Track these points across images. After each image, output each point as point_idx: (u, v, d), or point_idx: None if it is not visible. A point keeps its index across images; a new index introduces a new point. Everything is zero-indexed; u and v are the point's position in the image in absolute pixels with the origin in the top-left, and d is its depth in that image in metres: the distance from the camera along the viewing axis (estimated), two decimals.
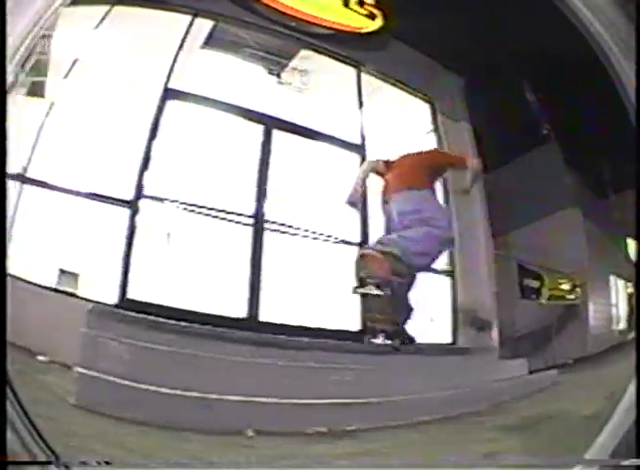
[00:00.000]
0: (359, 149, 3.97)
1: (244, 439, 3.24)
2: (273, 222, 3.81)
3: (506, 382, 3.96)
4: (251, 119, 3.78)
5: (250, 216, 3.80)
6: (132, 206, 3.69)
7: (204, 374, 3.40)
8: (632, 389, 1.47)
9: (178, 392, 3.31)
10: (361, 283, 3.66)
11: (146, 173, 3.70)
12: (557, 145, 4.20)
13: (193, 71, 3.87)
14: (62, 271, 4.05)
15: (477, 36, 3.96)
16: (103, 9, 4.21)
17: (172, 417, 3.22)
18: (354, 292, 3.59)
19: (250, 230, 3.77)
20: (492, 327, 4.07)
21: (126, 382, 3.24)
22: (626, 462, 1.03)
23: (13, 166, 4.08)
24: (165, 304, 3.63)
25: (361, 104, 3.96)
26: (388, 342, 3.76)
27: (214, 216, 3.72)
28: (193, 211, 3.64)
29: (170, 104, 3.77)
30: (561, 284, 4.35)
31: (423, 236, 3.68)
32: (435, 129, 4.01)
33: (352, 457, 3.21)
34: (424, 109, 4.05)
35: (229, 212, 3.79)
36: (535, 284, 4.30)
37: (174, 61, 3.88)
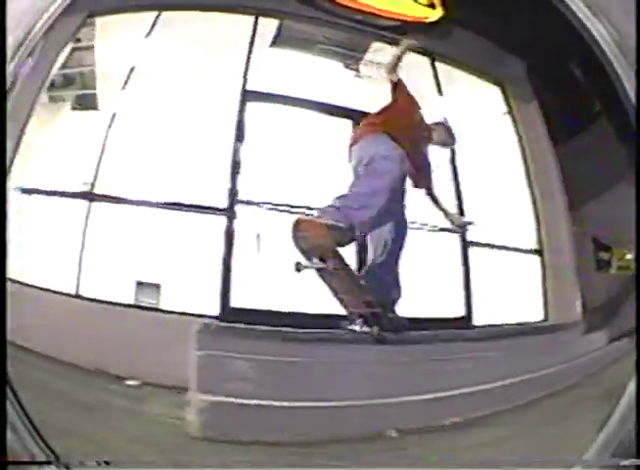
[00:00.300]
0: None
1: (390, 440, 3.16)
2: None
3: (591, 354, 4.05)
4: (337, 115, 3.70)
5: None
6: (227, 212, 3.55)
7: (330, 381, 3.28)
8: (632, 388, 1.58)
9: (311, 403, 3.17)
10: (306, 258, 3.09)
11: (236, 177, 3.54)
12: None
13: (267, 71, 3.74)
14: (139, 284, 3.84)
15: (531, 19, 4.05)
16: (147, 15, 4.02)
17: (309, 431, 3.09)
18: (297, 269, 2.98)
19: None
20: (578, 302, 4.15)
21: (258, 402, 3.07)
22: (626, 462, 1.10)
23: (77, 184, 3.86)
24: (273, 308, 3.47)
25: (440, 91, 3.97)
26: (367, 329, 3.29)
27: (307, 215, 3.62)
28: (284, 211, 3.50)
29: (251, 106, 3.63)
30: (626, 254, 4.49)
31: (365, 185, 3.21)
32: (510, 111, 4.07)
33: (498, 443, 3.21)
34: (495, 92, 4.10)
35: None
36: (606, 256, 4.41)
37: (248, 62, 3.75)
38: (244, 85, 3.67)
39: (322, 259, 2.93)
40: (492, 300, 3.94)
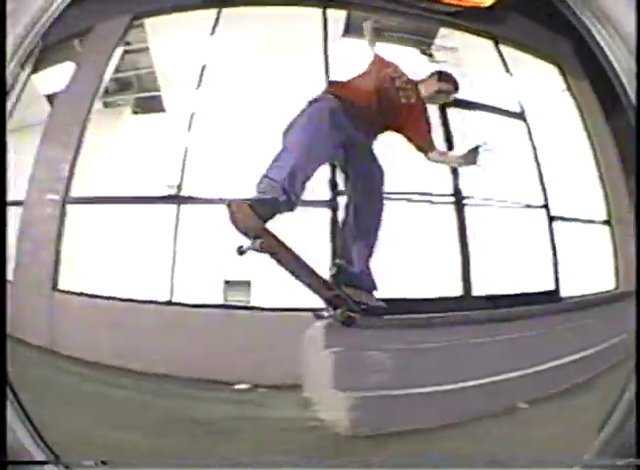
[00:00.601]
0: (519, 116, 4.09)
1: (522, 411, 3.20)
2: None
3: None
4: None
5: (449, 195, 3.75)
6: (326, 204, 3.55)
7: (456, 362, 3.26)
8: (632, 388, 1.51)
9: (451, 386, 3.13)
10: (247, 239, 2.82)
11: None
12: None
13: (345, 61, 3.71)
14: (227, 283, 3.70)
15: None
16: (208, 13, 3.92)
17: (453, 413, 3.05)
18: (239, 253, 2.67)
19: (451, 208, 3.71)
20: None
21: (401, 392, 3.00)
22: (624, 462, 1.05)
23: (162, 187, 3.67)
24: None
25: (509, 71, 4.06)
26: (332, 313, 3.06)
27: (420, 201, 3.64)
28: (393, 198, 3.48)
29: None
30: None
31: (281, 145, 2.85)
32: (569, 88, 4.21)
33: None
34: (553, 70, 4.24)
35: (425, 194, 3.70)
36: None
37: (326, 54, 3.71)
38: (327, 77, 3.64)
39: (257, 238, 2.63)
40: (573, 271, 4.05)
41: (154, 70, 3.97)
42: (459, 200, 3.75)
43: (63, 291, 3.75)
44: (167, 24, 4.00)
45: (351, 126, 2.90)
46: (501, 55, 4.08)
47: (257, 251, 2.65)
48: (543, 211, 3.95)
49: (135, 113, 4.00)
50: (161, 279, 3.60)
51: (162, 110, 3.93)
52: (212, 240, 3.56)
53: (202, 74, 3.73)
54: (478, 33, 4.06)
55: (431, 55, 3.92)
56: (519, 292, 3.84)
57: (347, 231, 3.06)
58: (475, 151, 2.97)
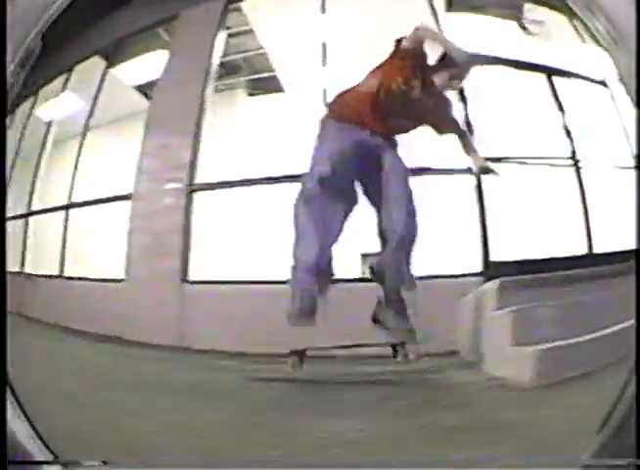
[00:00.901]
0: (603, 84, 4.29)
1: None
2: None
3: None
4: (526, 69, 3.88)
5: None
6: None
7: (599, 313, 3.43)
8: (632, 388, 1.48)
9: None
10: None
11: None
12: None
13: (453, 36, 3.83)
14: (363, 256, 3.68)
15: None
16: None
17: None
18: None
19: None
20: None
21: (570, 341, 3.12)
22: (625, 462, 1.02)
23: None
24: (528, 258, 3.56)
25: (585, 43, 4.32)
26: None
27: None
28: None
29: None
30: None
31: None
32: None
33: None
34: None
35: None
36: None
37: (438, 26, 3.80)
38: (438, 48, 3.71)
39: None
40: None
41: (264, 52, 3.89)
42: (576, 162, 3.95)
43: (194, 282, 3.59)
44: (269, 6, 3.95)
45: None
46: (576, 28, 4.36)
47: None
48: None
49: (250, 95, 3.90)
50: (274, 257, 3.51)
51: (280, 90, 3.86)
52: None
53: (324, 52, 3.70)
54: (554, 7, 4.30)
55: (525, 28, 4.12)
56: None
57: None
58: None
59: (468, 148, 3.12)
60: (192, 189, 3.62)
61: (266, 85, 3.92)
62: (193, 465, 1.00)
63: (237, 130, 3.73)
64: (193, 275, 3.60)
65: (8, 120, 4.91)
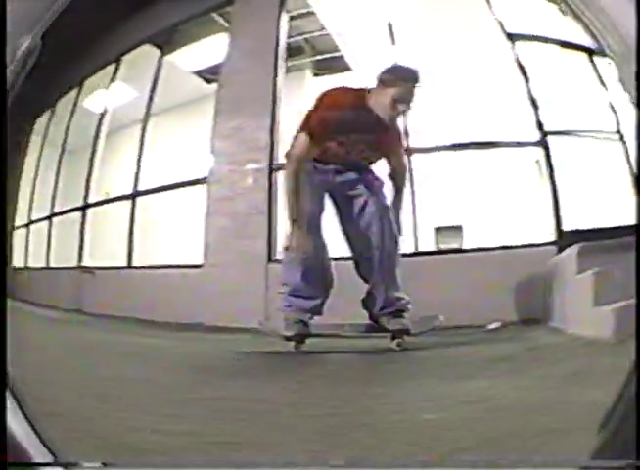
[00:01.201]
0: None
1: None
2: None
3: None
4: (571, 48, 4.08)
5: None
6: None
7: None
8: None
9: None
10: None
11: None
12: None
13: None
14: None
15: None
16: None
17: None
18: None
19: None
20: None
21: None
22: (625, 463, 0.90)
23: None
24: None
25: None
26: None
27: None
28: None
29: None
30: None
31: None
32: None
33: None
34: None
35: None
36: None
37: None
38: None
39: None
40: None
41: (327, 33, 3.93)
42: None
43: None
44: None
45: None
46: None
47: None
48: None
49: (316, 75, 3.93)
50: None
51: (347, 69, 3.91)
52: (423, 188, 3.64)
53: (391, 32, 3.78)
54: None
55: (564, 12, 4.34)
56: None
57: None
58: None
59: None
60: (272, 169, 3.64)
61: (332, 65, 3.97)
62: (193, 465, 1.00)
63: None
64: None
65: (48, 113, 4.79)
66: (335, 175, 2.55)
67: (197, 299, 3.70)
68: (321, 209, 2.56)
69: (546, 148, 3.73)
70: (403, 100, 2.34)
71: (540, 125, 3.76)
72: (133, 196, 3.98)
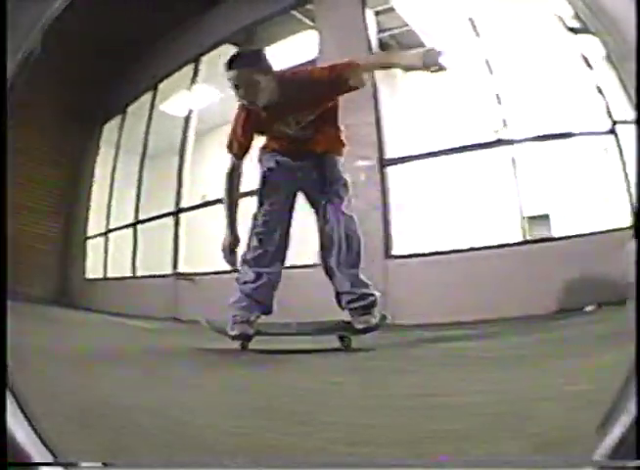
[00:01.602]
0: None
1: None
2: None
3: None
4: None
5: None
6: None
7: None
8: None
9: None
10: None
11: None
12: None
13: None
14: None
15: None
16: None
17: None
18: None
19: None
20: None
21: None
22: (624, 463, 0.84)
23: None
24: None
25: None
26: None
27: None
28: None
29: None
30: None
31: None
32: None
33: None
34: None
35: None
36: None
37: None
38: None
39: None
40: None
41: (410, 29, 3.96)
42: None
43: (398, 256, 3.64)
44: None
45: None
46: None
47: None
48: None
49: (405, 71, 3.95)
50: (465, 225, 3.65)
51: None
52: (507, 179, 3.79)
53: (474, 27, 3.87)
54: None
55: None
56: None
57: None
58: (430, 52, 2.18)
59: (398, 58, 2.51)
60: (383, 164, 3.69)
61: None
62: (193, 465, 1.00)
63: (405, 105, 3.81)
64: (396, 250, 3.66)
65: (119, 119, 4.62)
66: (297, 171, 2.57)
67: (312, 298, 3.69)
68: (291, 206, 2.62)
69: (616, 136, 3.96)
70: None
71: (609, 114, 3.97)
72: None
